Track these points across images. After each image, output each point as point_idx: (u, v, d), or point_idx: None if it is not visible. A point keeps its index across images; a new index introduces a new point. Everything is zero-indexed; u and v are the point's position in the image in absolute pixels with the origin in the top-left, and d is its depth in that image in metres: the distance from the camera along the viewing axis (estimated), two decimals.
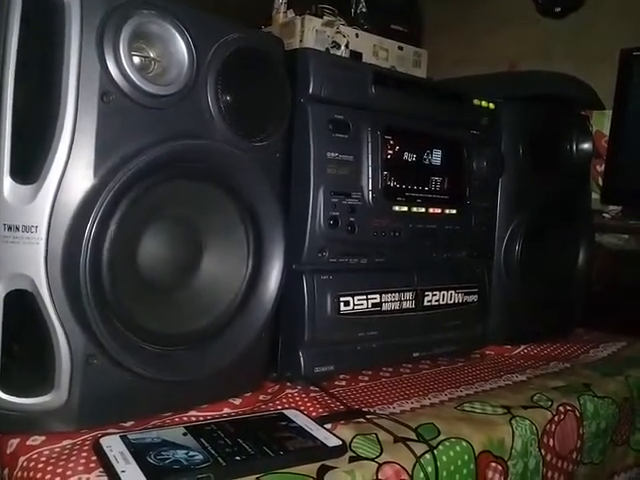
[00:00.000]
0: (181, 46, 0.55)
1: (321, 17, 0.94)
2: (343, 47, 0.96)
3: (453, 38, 1.91)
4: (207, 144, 0.58)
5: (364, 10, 1.04)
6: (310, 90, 0.68)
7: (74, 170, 0.51)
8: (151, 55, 0.55)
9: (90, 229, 0.50)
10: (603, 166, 1.40)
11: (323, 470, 0.50)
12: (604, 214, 1.41)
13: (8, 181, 0.50)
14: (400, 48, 1.03)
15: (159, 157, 0.54)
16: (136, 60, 0.53)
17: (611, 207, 1.44)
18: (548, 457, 0.67)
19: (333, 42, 0.95)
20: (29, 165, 0.50)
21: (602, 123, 1.42)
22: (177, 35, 0.54)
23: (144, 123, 0.54)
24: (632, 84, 1.35)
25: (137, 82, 0.52)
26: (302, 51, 0.69)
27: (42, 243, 0.50)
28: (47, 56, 0.50)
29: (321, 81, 0.68)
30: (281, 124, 0.64)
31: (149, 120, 0.54)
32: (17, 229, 0.50)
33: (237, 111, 0.60)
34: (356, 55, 0.96)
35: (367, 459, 0.53)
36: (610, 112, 1.37)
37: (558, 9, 1.73)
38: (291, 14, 0.97)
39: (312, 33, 0.93)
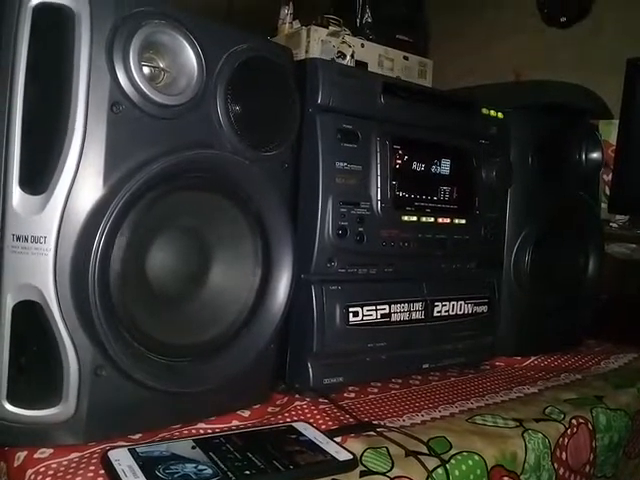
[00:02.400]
0: (191, 56, 0.55)
1: (327, 27, 0.94)
2: (348, 57, 0.96)
3: (457, 48, 1.92)
4: (216, 154, 0.58)
5: (369, 20, 1.05)
6: (319, 100, 0.67)
7: (83, 180, 0.51)
8: (161, 65, 0.54)
9: (99, 239, 0.50)
10: (610, 175, 1.40)
11: None
12: (611, 223, 1.41)
13: (17, 191, 0.49)
14: (405, 58, 1.04)
15: (168, 167, 0.54)
16: (146, 70, 0.53)
17: (618, 216, 1.43)
18: (561, 471, 0.66)
19: (338, 52, 0.96)
20: (38, 175, 0.50)
21: (609, 132, 1.42)
22: (187, 45, 0.54)
23: (154, 133, 0.54)
24: (638, 93, 1.34)
25: (147, 92, 0.52)
26: (311, 61, 0.69)
27: (51, 254, 0.50)
28: (57, 66, 0.50)
29: (330, 91, 0.68)
30: (290, 134, 0.64)
31: (159, 130, 0.54)
32: (26, 239, 0.50)
33: (246, 121, 0.59)
34: (361, 65, 0.96)
35: (378, 473, 0.52)
36: (617, 121, 1.37)
37: (563, 19, 1.74)
38: (297, 25, 0.97)
39: (318, 43, 0.93)
